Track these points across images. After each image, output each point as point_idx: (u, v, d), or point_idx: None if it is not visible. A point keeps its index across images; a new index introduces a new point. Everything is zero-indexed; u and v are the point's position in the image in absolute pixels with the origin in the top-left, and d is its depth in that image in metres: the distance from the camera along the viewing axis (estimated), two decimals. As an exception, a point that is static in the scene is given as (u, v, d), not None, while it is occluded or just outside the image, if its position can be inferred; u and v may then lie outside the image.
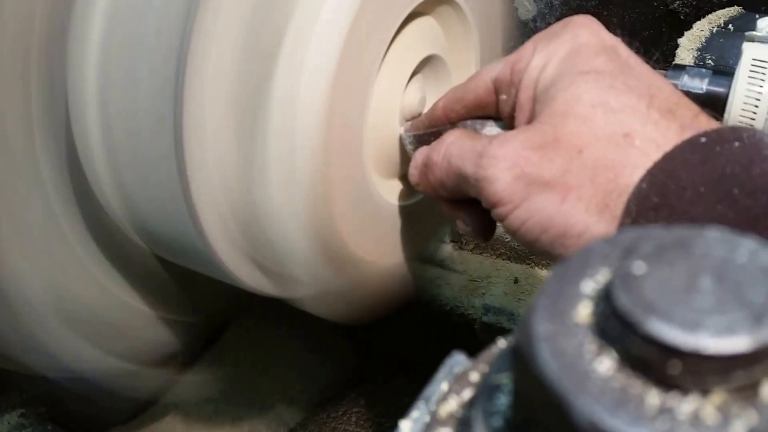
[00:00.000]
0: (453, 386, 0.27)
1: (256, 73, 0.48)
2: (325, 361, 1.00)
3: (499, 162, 0.47)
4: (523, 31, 1.00)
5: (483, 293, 0.98)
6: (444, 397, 0.27)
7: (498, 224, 0.51)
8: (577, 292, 0.21)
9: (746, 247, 0.20)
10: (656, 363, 0.19)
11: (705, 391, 0.18)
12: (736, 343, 0.18)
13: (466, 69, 0.65)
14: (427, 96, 0.62)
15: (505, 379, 0.24)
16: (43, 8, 0.50)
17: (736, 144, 0.40)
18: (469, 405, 0.26)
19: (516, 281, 0.96)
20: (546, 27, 1.02)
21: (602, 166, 0.44)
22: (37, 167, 0.52)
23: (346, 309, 0.64)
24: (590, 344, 0.20)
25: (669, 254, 0.20)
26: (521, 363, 0.21)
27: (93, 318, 0.59)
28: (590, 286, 0.22)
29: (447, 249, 1.03)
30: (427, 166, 0.54)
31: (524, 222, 0.47)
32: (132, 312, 0.61)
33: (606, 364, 0.19)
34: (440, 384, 0.29)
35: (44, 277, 0.55)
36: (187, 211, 0.49)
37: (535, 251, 0.48)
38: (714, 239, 0.21)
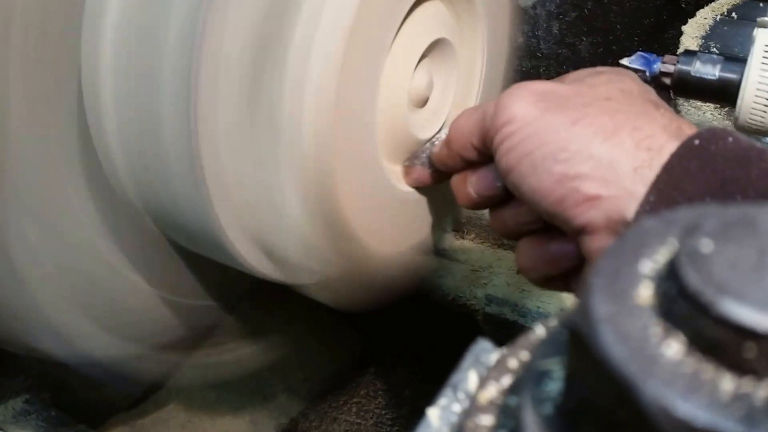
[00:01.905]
0: (491, 373, 0.26)
1: (266, 58, 0.47)
2: (326, 351, 0.99)
3: (520, 91, 0.49)
4: (523, 18, 0.99)
5: (485, 284, 0.97)
6: (483, 384, 0.26)
7: None
8: (636, 272, 0.20)
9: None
10: (730, 346, 0.17)
11: (784, 376, 0.17)
12: (821, 324, 0.17)
13: (474, 53, 0.64)
14: (434, 80, 0.61)
15: (553, 365, 0.23)
16: None
17: (730, 140, 0.41)
18: (510, 392, 0.25)
19: (519, 271, 0.95)
20: (546, 15, 1.01)
21: (624, 111, 0.46)
22: (48, 149, 0.51)
23: (351, 296, 0.63)
24: (655, 326, 0.19)
25: (736, 231, 0.19)
26: (579, 346, 0.20)
27: (103, 300, 0.58)
28: (649, 265, 0.20)
29: (448, 238, 1.02)
30: (448, 137, 0.55)
31: (527, 137, 0.47)
32: (140, 294, 0.60)
33: (674, 347, 0.18)
34: (467, 371, 0.28)
35: (57, 259, 0.54)
36: (198, 195, 0.48)
37: (516, 176, 0.48)
38: (782, 216, 0.20)
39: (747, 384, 0.17)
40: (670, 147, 0.43)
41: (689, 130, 0.45)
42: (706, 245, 0.19)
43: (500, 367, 0.26)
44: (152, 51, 0.46)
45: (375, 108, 0.55)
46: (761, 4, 0.83)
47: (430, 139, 0.61)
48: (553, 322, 0.26)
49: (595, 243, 0.45)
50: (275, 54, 0.47)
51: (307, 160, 0.50)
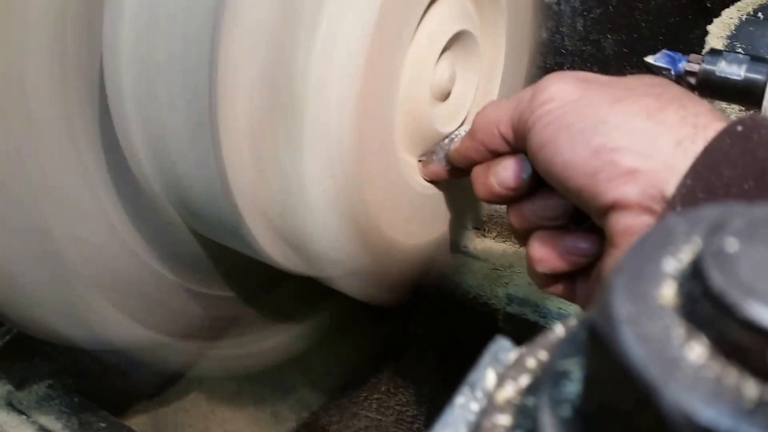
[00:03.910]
0: (509, 372, 0.25)
1: (290, 49, 0.47)
2: (348, 345, 0.99)
3: (561, 75, 0.48)
4: (547, 14, 0.97)
5: (506, 283, 0.96)
6: (500, 383, 0.25)
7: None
8: (659, 271, 0.19)
9: None
10: (755, 350, 0.17)
11: (811, 382, 0.16)
12: None
13: (496, 47, 0.63)
14: (457, 73, 0.60)
15: (572, 366, 0.22)
16: None
17: None
18: (528, 392, 0.24)
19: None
20: (570, 11, 1.00)
21: (669, 93, 0.45)
22: (74, 143, 0.51)
23: (373, 287, 0.62)
24: (678, 328, 0.18)
25: (763, 231, 0.18)
26: (599, 347, 0.19)
27: (128, 289, 0.58)
28: (672, 264, 0.19)
29: (470, 236, 1.01)
30: (472, 128, 0.54)
31: (567, 112, 0.46)
32: (164, 283, 0.60)
33: (697, 350, 0.17)
34: (485, 369, 0.27)
35: (84, 250, 0.54)
36: (222, 189, 0.48)
37: (550, 150, 0.46)
38: (811, 216, 0.19)
39: (773, 390, 0.16)
40: (716, 126, 0.42)
41: (731, 118, 0.44)
42: (731, 244, 0.18)
43: (518, 366, 0.25)
44: (173, 40, 0.46)
45: (396, 100, 0.54)
46: (789, 4, 0.82)
47: (449, 134, 0.60)
48: (573, 322, 0.25)
49: (625, 221, 0.43)
50: (299, 45, 0.47)
51: (330, 151, 0.49)
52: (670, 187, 0.41)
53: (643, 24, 1.00)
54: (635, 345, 0.18)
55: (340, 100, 0.48)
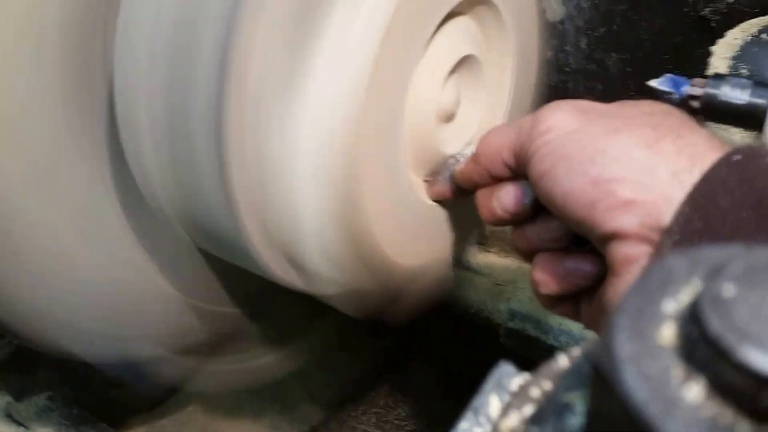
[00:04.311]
0: (513, 401, 0.26)
1: (295, 70, 0.48)
2: (348, 358, 1.00)
3: (561, 104, 0.50)
4: (552, 32, 0.99)
5: (508, 298, 0.97)
6: (505, 412, 0.26)
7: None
8: (659, 312, 0.20)
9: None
10: (749, 393, 0.18)
11: (802, 424, 0.18)
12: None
13: (502, 70, 0.64)
14: (462, 95, 0.61)
15: (575, 399, 0.23)
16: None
17: None
18: (532, 422, 0.25)
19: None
20: (574, 29, 1.01)
21: (667, 123, 0.46)
22: (83, 159, 0.53)
23: (374, 308, 0.63)
24: (677, 369, 0.19)
25: (760, 277, 0.20)
26: (602, 384, 0.20)
27: (132, 303, 0.59)
28: (672, 305, 0.21)
29: (473, 252, 1.03)
30: (476, 153, 0.55)
31: (566, 143, 0.47)
32: (168, 298, 0.61)
33: (695, 390, 0.19)
34: (489, 395, 0.28)
35: (91, 264, 0.55)
36: (227, 204, 0.49)
37: (549, 180, 0.48)
38: (806, 263, 0.20)
39: (765, 431, 0.18)
40: (712, 157, 0.43)
41: (729, 146, 0.45)
42: (729, 290, 0.19)
43: (522, 395, 0.27)
44: (185, 62, 0.48)
45: (402, 121, 0.55)
46: (792, 26, 0.83)
47: (454, 155, 0.61)
48: (577, 352, 0.26)
49: (624, 250, 0.45)
50: (304, 67, 0.48)
51: (333, 171, 0.50)
52: (667, 217, 0.43)
53: (647, 43, 1.01)
54: (636, 384, 0.19)
55: (344, 120, 0.49)
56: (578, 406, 0.23)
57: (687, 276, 0.21)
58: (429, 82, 0.57)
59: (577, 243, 0.52)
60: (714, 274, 0.20)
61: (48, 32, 0.49)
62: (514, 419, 0.26)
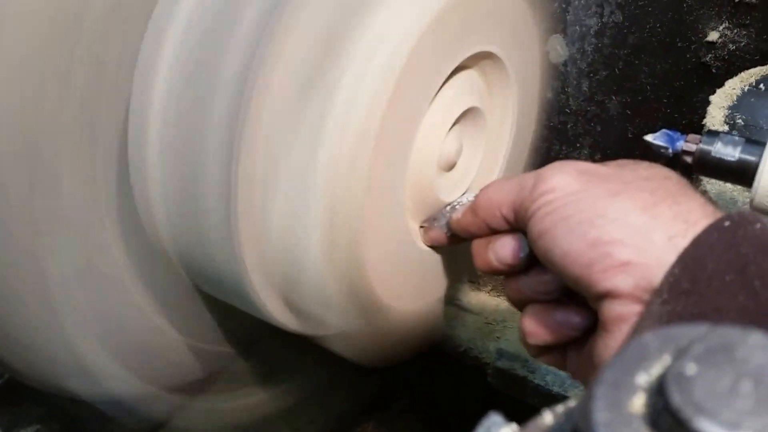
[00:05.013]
0: (501, 455, 0.31)
1: (303, 124, 0.53)
2: (335, 395, 1.03)
3: (563, 166, 0.54)
4: (554, 74, 1.04)
5: (498, 337, 1.02)
6: (494, 464, 0.31)
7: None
8: (633, 384, 0.25)
9: (785, 356, 0.24)
10: (703, 457, 0.23)
11: (745, 486, 0.22)
12: (773, 446, 0.22)
13: (503, 120, 0.69)
14: (463, 146, 0.66)
15: (558, 455, 0.28)
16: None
17: (758, 226, 0.45)
18: (519, 474, 0.30)
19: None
20: (576, 72, 1.06)
21: (664, 189, 0.51)
22: (90, 199, 0.57)
23: (367, 349, 0.68)
24: (644, 433, 0.24)
25: (716, 357, 0.24)
26: (581, 445, 0.25)
27: (130, 341, 0.63)
28: (644, 378, 0.25)
29: (465, 290, 1.07)
30: (474, 205, 0.60)
31: (566, 204, 0.52)
32: (165, 337, 0.65)
33: (658, 453, 0.23)
34: (480, 445, 0.33)
35: (92, 303, 0.59)
36: (230, 248, 0.54)
37: (548, 239, 0.52)
38: (755, 345, 0.25)
39: (715, 490, 0.22)
40: (705, 223, 0.48)
41: (722, 213, 0.50)
42: (690, 368, 0.24)
43: (510, 449, 0.31)
44: (199, 111, 0.52)
45: (406, 171, 0.60)
46: (791, 78, 0.89)
47: (451, 203, 0.66)
48: (560, 410, 0.31)
49: (617, 309, 0.49)
50: (313, 124, 0.53)
51: (337, 222, 0.55)
52: (660, 279, 0.47)
53: (648, 87, 1.07)
54: (609, 447, 0.23)
55: (352, 168, 0.54)
56: (560, 462, 0.27)
57: (658, 353, 0.26)
58: (433, 133, 0.62)
59: (567, 295, 0.57)
60: (680, 353, 0.25)
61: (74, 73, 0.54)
62: (502, 470, 0.30)
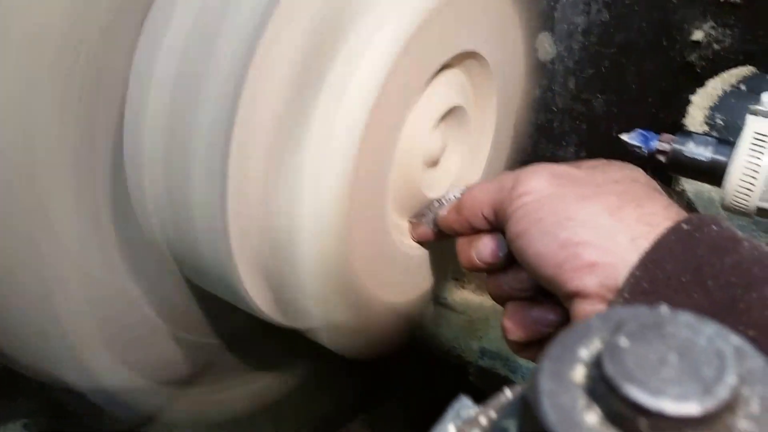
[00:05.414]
0: (464, 426, 0.35)
1: (294, 121, 0.57)
2: (319, 396, 1.06)
3: (539, 169, 0.59)
4: (542, 71, 1.08)
5: (481, 336, 1.05)
6: (457, 437, 0.35)
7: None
8: (575, 358, 0.29)
9: (707, 332, 0.28)
10: (630, 419, 0.27)
11: (666, 443, 0.26)
12: (689, 409, 0.26)
13: (485, 117, 0.74)
14: (447, 143, 0.70)
15: (510, 424, 0.32)
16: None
17: (714, 228, 0.50)
18: (479, 444, 0.34)
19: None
20: (563, 70, 1.10)
21: (631, 192, 0.56)
22: (85, 196, 0.61)
23: (352, 341, 0.72)
24: (582, 400, 0.28)
25: (647, 333, 0.28)
26: (528, 412, 0.29)
27: (122, 332, 0.67)
28: (585, 353, 0.29)
29: (450, 287, 1.10)
30: (459, 204, 0.65)
31: (541, 207, 0.57)
32: (157, 330, 0.70)
33: (593, 417, 0.27)
34: (447, 424, 0.37)
35: (88, 295, 0.63)
36: (220, 240, 0.58)
37: (524, 241, 0.57)
38: (682, 323, 0.29)
39: (640, 448, 0.26)
40: (666, 225, 0.53)
41: (683, 215, 0.54)
42: (624, 342, 0.28)
43: (473, 423, 0.35)
44: (190, 116, 0.57)
45: (392, 168, 0.64)
46: (770, 79, 0.93)
47: (437, 199, 0.70)
48: (517, 389, 0.35)
49: (585, 308, 0.54)
50: (303, 122, 0.57)
51: (327, 215, 0.59)
52: (624, 279, 0.52)
53: (634, 86, 1.11)
54: (550, 411, 0.27)
55: (339, 167, 0.58)
56: (512, 430, 0.31)
57: (598, 330, 0.30)
58: (418, 130, 0.66)
59: (544, 293, 0.61)
60: (616, 330, 0.29)
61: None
62: (464, 442, 0.34)
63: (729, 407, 0.27)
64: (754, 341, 0.45)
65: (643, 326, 0.29)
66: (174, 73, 0.57)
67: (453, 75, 0.69)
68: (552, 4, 1.04)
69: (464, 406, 0.38)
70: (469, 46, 0.68)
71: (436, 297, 1.08)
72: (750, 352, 0.29)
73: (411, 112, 0.64)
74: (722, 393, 0.26)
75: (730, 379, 0.27)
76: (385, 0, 0.59)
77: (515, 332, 0.62)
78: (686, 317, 0.29)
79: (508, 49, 0.74)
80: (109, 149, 0.61)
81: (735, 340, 0.29)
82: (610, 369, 0.27)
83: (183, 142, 0.57)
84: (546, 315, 0.61)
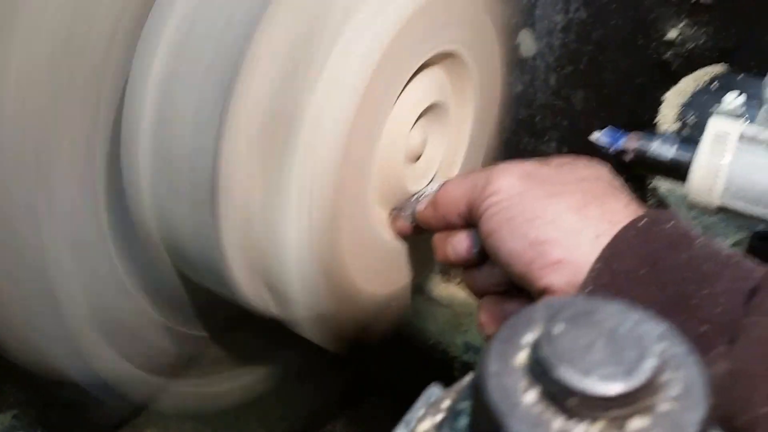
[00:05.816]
0: (429, 410, 0.39)
1: (283, 118, 0.61)
2: (305, 391, 1.09)
3: (509, 168, 0.63)
4: (524, 67, 1.12)
5: (465, 330, 1.08)
6: (421, 419, 0.39)
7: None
8: (520, 342, 0.33)
9: (632, 318, 0.32)
10: (561, 398, 0.31)
11: (593, 420, 0.30)
12: (613, 388, 0.30)
13: (464, 113, 0.78)
14: (428, 137, 0.74)
15: (466, 405, 0.36)
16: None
17: (670, 224, 0.54)
18: (439, 426, 0.38)
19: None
20: (545, 66, 1.14)
21: (595, 190, 0.59)
22: (84, 189, 0.65)
23: (337, 332, 0.75)
24: (523, 381, 0.32)
25: (579, 320, 0.32)
26: (476, 392, 0.33)
27: (116, 322, 0.72)
28: (528, 338, 0.33)
29: (435, 281, 1.14)
30: (435, 200, 0.68)
31: (510, 206, 0.60)
32: (150, 320, 0.74)
33: (531, 396, 0.31)
34: (419, 410, 0.41)
35: (85, 285, 0.68)
36: (211, 231, 0.62)
37: (496, 239, 0.60)
38: (612, 311, 0.33)
39: (570, 424, 0.30)
40: (627, 221, 0.56)
41: (641, 212, 0.58)
42: (559, 328, 0.32)
43: (436, 405, 0.39)
44: (188, 105, 0.61)
45: (374, 162, 0.69)
46: (741, 76, 0.97)
47: (417, 193, 0.74)
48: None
49: None
50: (291, 114, 0.61)
51: (310, 203, 0.63)
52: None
53: (611, 83, 1.15)
54: (494, 391, 0.31)
55: (326, 162, 0.62)
56: (467, 410, 0.35)
57: (541, 318, 0.34)
58: (399, 126, 0.70)
59: (518, 288, 0.65)
60: (553, 317, 0.33)
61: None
62: (427, 424, 0.39)
63: (651, 388, 0.31)
64: (706, 336, 0.49)
65: (577, 314, 0.33)
66: (170, 71, 0.62)
67: (433, 73, 0.73)
68: (533, 1, 1.08)
69: (434, 393, 0.42)
70: (448, 47, 0.72)
71: (421, 289, 1.12)
72: (674, 339, 0.33)
73: (393, 109, 0.69)
74: (643, 374, 0.31)
75: (651, 362, 0.31)
76: (370, 3, 0.63)
77: (490, 326, 0.66)
78: (616, 306, 0.33)
79: (485, 48, 0.78)
80: (106, 140, 0.65)
81: (659, 327, 0.33)
82: (545, 352, 0.31)
83: (176, 137, 0.61)
84: (518, 309, 0.64)
